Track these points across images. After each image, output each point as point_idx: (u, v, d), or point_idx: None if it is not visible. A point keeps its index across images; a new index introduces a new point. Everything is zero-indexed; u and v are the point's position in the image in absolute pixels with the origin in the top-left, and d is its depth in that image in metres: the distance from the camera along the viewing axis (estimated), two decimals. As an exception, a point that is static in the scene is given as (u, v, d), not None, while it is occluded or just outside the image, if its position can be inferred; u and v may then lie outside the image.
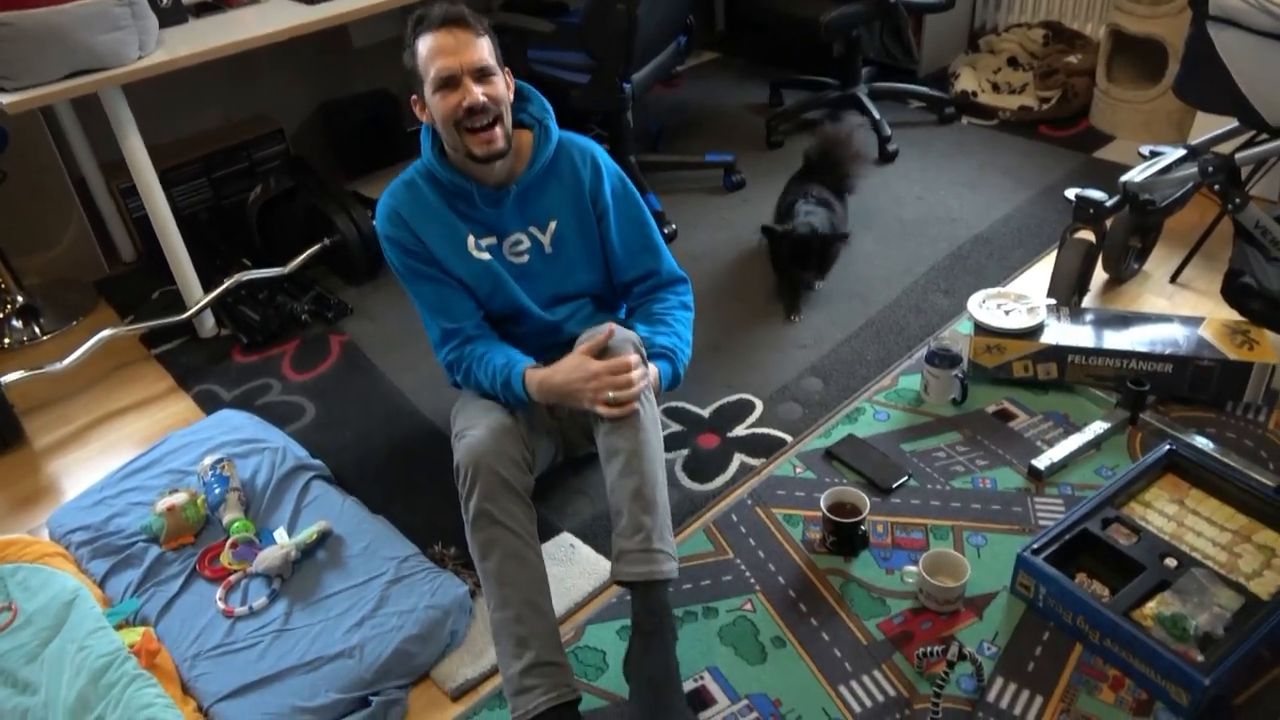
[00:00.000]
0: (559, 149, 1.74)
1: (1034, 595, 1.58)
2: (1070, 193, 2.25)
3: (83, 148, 2.71)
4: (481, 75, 1.58)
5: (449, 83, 1.57)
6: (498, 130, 1.61)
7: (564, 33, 2.58)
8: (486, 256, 1.72)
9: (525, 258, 1.75)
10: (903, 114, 3.39)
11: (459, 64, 1.56)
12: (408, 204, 1.71)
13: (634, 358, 1.58)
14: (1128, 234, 2.31)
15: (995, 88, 3.40)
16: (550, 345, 1.82)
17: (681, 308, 1.85)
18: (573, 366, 1.60)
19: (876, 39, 3.70)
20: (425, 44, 1.58)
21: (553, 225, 1.75)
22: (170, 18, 2.34)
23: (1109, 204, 2.19)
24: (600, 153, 1.79)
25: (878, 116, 3.12)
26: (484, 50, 1.59)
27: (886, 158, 3.09)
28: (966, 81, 3.39)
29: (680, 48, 2.91)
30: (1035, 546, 1.59)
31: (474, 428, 1.59)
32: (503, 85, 1.63)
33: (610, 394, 1.54)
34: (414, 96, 1.65)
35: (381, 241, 1.74)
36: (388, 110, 3.30)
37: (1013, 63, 3.46)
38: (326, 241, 2.63)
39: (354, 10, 2.42)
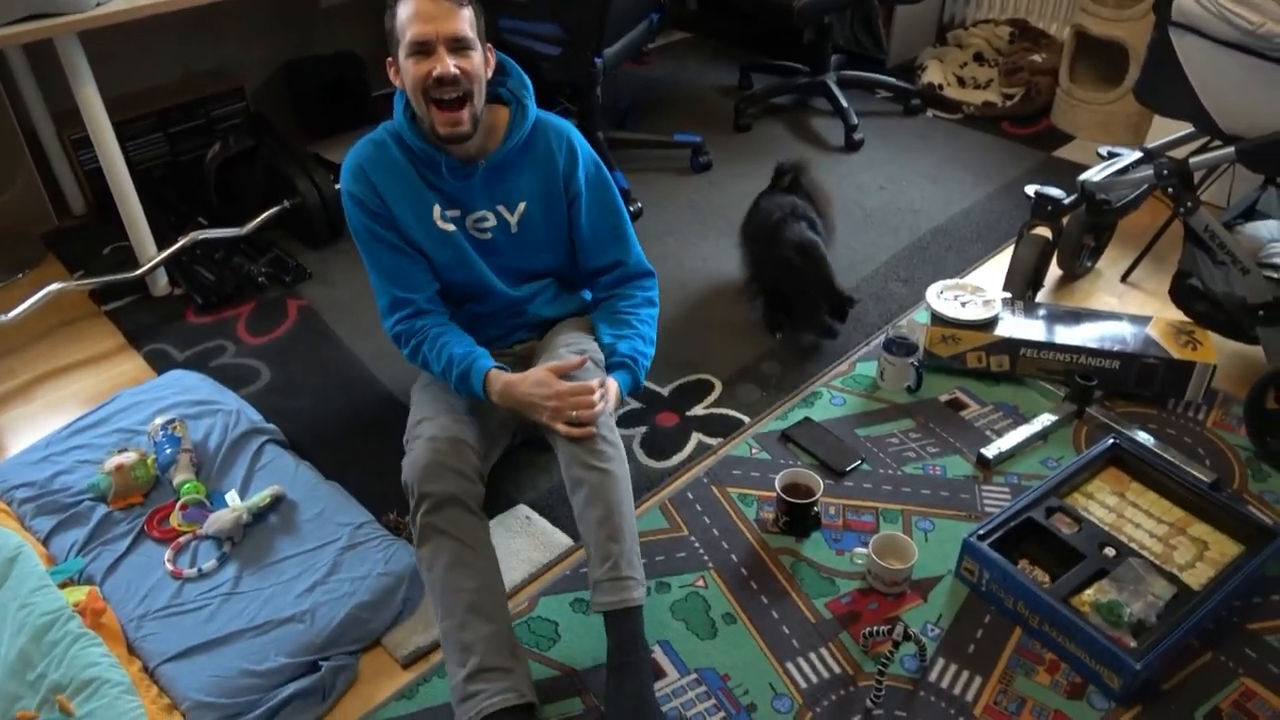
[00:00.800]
0: (535, 129, 1.70)
1: (977, 580, 1.62)
2: (1030, 189, 2.29)
3: (34, 95, 2.63)
4: (457, 46, 1.54)
5: (422, 49, 1.53)
6: (465, 112, 1.57)
7: (537, 4, 2.55)
8: (451, 228, 1.69)
9: (489, 235, 1.72)
10: (869, 103, 3.42)
11: (435, 31, 1.52)
12: (375, 163, 1.67)
13: (595, 382, 1.58)
14: (1083, 232, 2.36)
15: (961, 82, 3.45)
16: (516, 326, 1.81)
17: (647, 304, 1.83)
18: (537, 381, 1.59)
19: (847, 27, 3.72)
20: (405, 7, 1.54)
21: (521, 206, 1.72)
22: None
23: (1066, 202, 2.24)
24: (577, 135, 1.75)
25: (845, 105, 3.14)
26: (464, 21, 1.55)
27: (852, 146, 3.12)
28: (933, 74, 3.43)
29: (652, 25, 2.90)
30: (981, 532, 1.63)
31: (422, 436, 1.57)
32: (479, 61, 1.58)
33: (573, 413, 1.54)
34: (389, 59, 1.61)
35: (343, 198, 1.70)
36: (353, 73, 3.24)
37: (979, 58, 3.50)
38: (286, 203, 2.58)
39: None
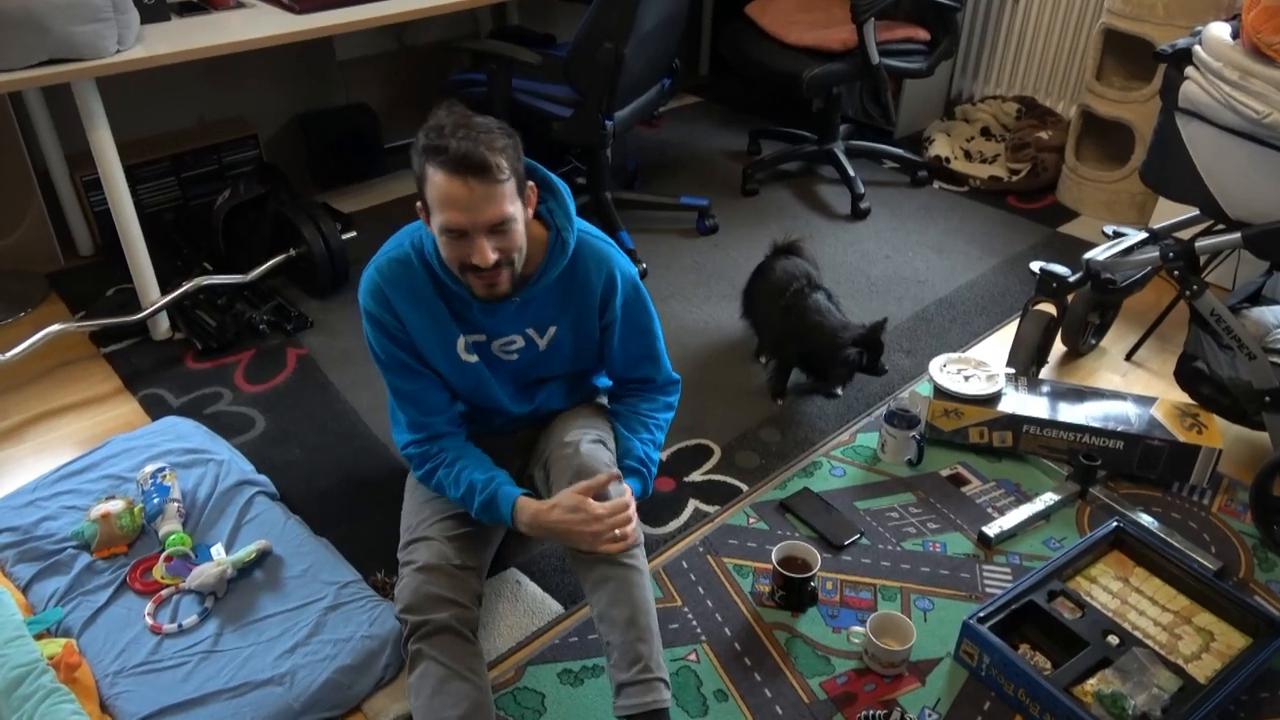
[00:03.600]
0: (574, 256, 1.58)
1: (977, 664, 1.58)
2: (1035, 265, 2.29)
3: (49, 136, 2.65)
4: (496, 229, 1.41)
5: (458, 234, 1.41)
6: (503, 274, 1.47)
7: (550, 65, 2.59)
8: (474, 359, 1.60)
9: (515, 356, 1.64)
10: (876, 173, 3.45)
11: (471, 221, 1.39)
12: (398, 286, 1.54)
13: (628, 498, 1.54)
14: (1088, 310, 2.36)
15: (968, 155, 3.48)
16: (521, 425, 1.76)
17: (665, 409, 1.78)
18: (570, 507, 1.50)
19: (856, 98, 3.77)
20: (435, 182, 1.38)
21: (552, 330, 1.63)
22: (153, 14, 2.30)
23: (1072, 279, 2.24)
24: (619, 262, 1.63)
25: (852, 174, 3.17)
26: (504, 201, 1.40)
27: (858, 215, 3.13)
28: (940, 147, 3.46)
29: (664, 89, 2.94)
30: (981, 615, 1.59)
31: (416, 563, 1.51)
32: (520, 228, 1.45)
33: (616, 532, 1.49)
34: (420, 204, 1.47)
35: (363, 316, 1.58)
36: (366, 125, 3.28)
37: (986, 133, 3.54)
38: (292, 252, 2.59)
39: (340, 24, 2.41)
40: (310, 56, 3.17)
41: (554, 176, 1.60)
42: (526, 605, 1.72)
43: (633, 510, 1.53)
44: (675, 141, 3.73)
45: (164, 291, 2.41)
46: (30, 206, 2.71)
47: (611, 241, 1.65)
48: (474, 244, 1.41)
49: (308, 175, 3.25)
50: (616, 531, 1.48)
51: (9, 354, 2.20)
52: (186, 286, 2.42)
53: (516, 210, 1.44)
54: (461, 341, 1.59)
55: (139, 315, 2.38)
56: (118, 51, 2.10)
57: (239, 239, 2.70)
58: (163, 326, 2.45)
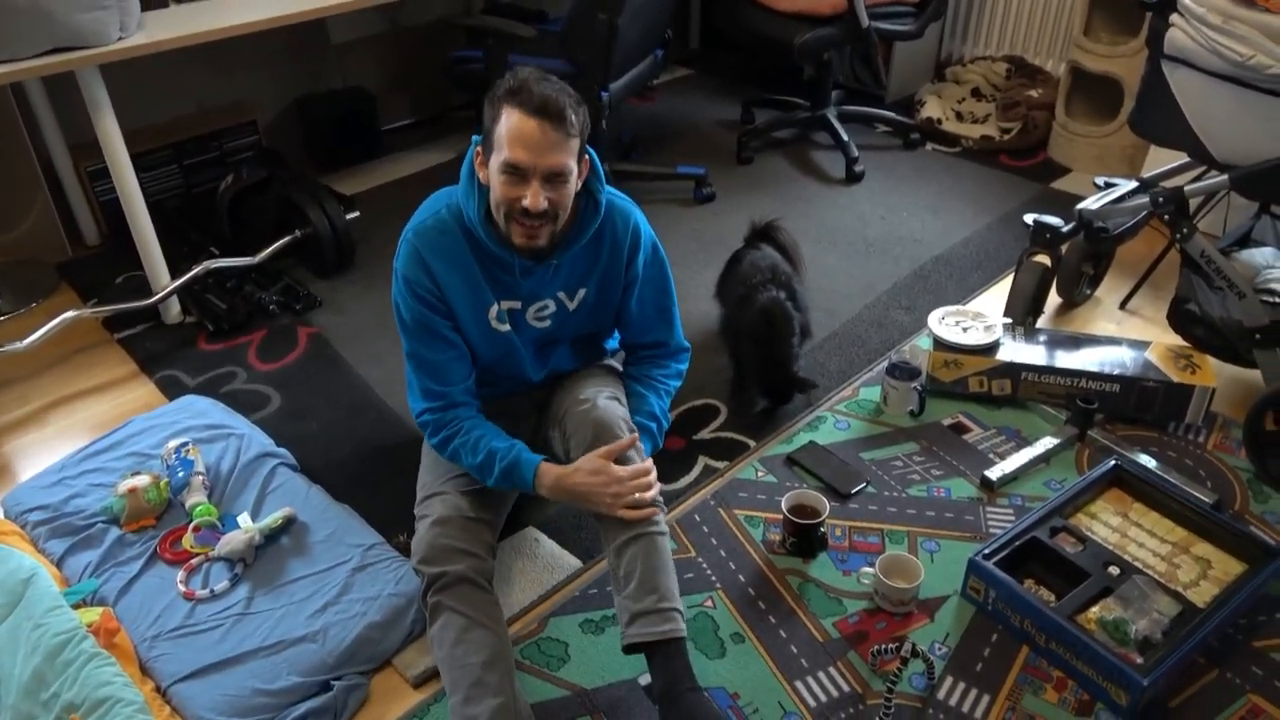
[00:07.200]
0: (603, 217, 1.63)
1: (984, 598, 1.64)
2: (1029, 218, 2.34)
3: (51, 128, 2.68)
4: (554, 177, 1.46)
5: (517, 172, 1.45)
6: (544, 229, 1.51)
7: (545, 39, 2.62)
8: (505, 328, 1.64)
9: (548, 322, 1.68)
10: (869, 137, 3.48)
11: (534, 162, 1.44)
12: (437, 252, 1.57)
13: (650, 462, 1.58)
14: (1081, 260, 2.40)
15: (959, 116, 3.51)
16: (535, 389, 1.80)
17: (677, 376, 1.83)
18: (592, 470, 1.54)
19: (847, 63, 3.79)
20: (509, 120, 1.44)
21: (582, 292, 1.68)
22: (151, 1, 2.33)
23: (1065, 230, 2.28)
24: (642, 220, 1.70)
25: (845, 138, 3.20)
26: (568, 153, 1.46)
27: (853, 178, 3.17)
28: (931, 109, 3.49)
29: (657, 61, 2.97)
30: (986, 552, 1.65)
31: (431, 517, 1.56)
32: (572, 187, 1.51)
33: (635, 496, 1.53)
34: (479, 151, 1.53)
35: (396, 281, 1.60)
36: (363, 108, 3.31)
37: (976, 93, 3.57)
38: (298, 233, 2.62)
39: (333, 5, 2.43)
40: (305, 40, 3.20)
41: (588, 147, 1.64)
42: (545, 561, 1.77)
43: (653, 477, 1.57)
44: (670, 113, 3.76)
45: (173, 277, 2.45)
46: (36, 198, 2.74)
47: (633, 202, 1.70)
48: (530, 186, 1.45)
49: (308, 159, 3.29)
50: (636, 496, 1.53)
51: (25, 342, 2.24)
52: (196, 270, 2.46)
53: (573, 168, 1.50)
54: (494, 309, 1.62)
55: (150, 300, 2.42)
56: (120, 38, 2.13)
57: (244, 223, 2.74)
58: (174, 310, 2.49)
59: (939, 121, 3.44)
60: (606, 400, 1.66)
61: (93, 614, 1.59)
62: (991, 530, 1.82)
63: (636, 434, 1.63)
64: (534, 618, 1.67)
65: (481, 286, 1.60)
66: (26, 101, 2.64)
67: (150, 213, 2.37)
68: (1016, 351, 2.12)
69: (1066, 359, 2.09)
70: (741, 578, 1.73)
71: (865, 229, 2.89)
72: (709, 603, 1.68)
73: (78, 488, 1.87)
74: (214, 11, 2.36)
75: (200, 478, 1.85)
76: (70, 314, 2.34)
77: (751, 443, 2.05)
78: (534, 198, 1.46)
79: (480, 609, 1.48)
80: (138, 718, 1.42)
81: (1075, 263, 2.40)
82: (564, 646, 1.61)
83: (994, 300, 2.53)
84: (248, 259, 2.56)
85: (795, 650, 1.59)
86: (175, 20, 2.29)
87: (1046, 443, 2.00)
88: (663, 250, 1.76)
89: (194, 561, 1.71)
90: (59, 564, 1.73)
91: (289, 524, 1.78)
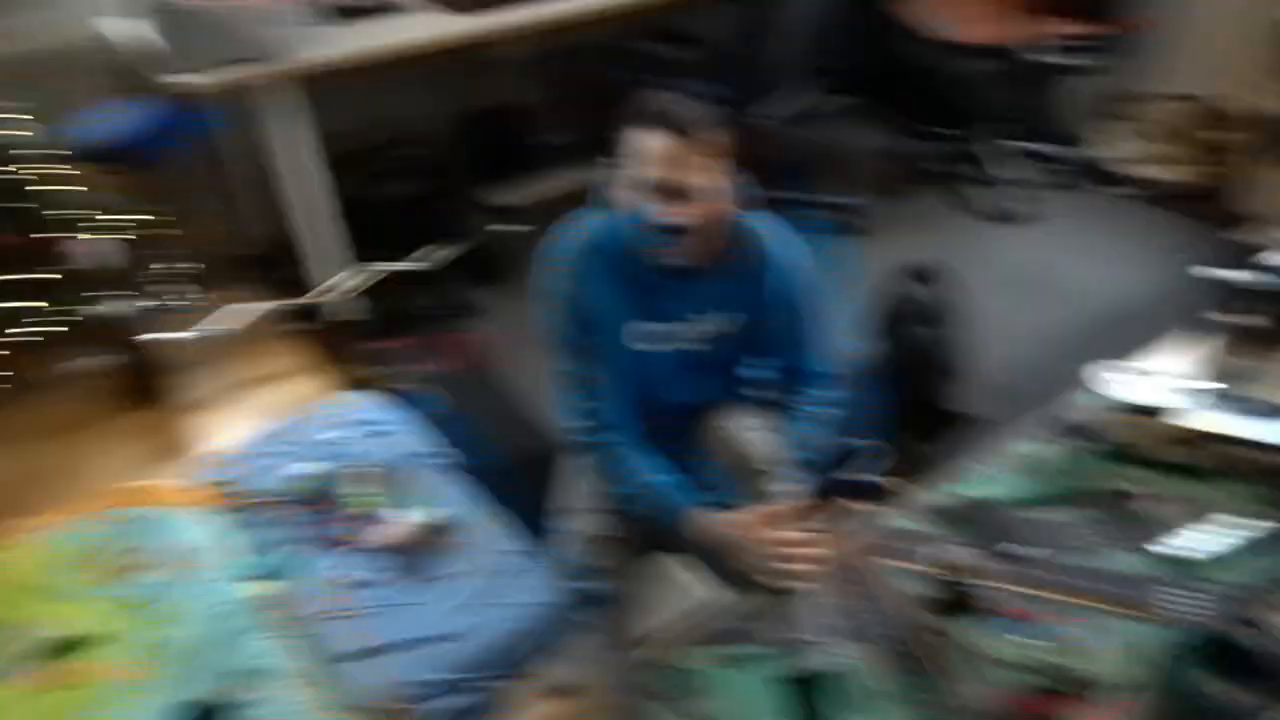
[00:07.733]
0: (757, 241, 1.61)
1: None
2: (1210, 272, 2.19)
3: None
4: (689, 194, 1.43)
5: (652, 187, 1.44)
6: (687, 245, 1.49)
7: (705, 64, 2.63)
8: (653, 348, 1.62)
9: (699, 345, 1.65)
10: (1032, 174, 3.34)
11: (666, 178, 1.42)
12: (587, 268, 1.57)
13: (810, 536, 1.51)
14: (1275, 322, 2.22)
15: (1132, 157, 3.32)
16: (683, 417, 1.76)
17: (829, 404, 1.76)
18: (742, 524, 1.50)
19: (1010, 96, 3.66)
20: (642, 138, 1.43)
21: (731, 317, 1.64)
22: (326, 19, 2.50)
23: (1256, 287, 2.13)
24: (793, 245, 1.66)
25: (1003, 174, 3.09)
26: (702, 170, 1.43)
27: (1011, 217, 3.05)
28: (1103, 147, 3.32)
29: (809, 89, 2.93)
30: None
31: (579, 531, 1.61)
32: (713, 205, 1.47)
33: (784, 566, 1.47)
34: (622, 171, 1.51)
35: (548, 298, 1.61)
36: (523, 122, 3.41)
37: (1152, 133, 3.37)
38: (466, 244, 2.73)
39: (498, 28, 2.57)
40: (469, 58, 3.31)
41: None
42: (681, 591, 1.76)
43: (812, 551, 1.50)
44: (827, 142, 3.70)
45: (347, 278, 2.59)
46: (222, 195, 2.93)
47: (788, 226, 1.68)
48: (666, 202, 1.44)
49: (470, 172, 3.40)
50: (786, 567, 1.47)
51: (210, 330, 2.42)
52: (368, 272, 2.60)
53: (710, 185, 1.46)
54: (640, 328, 1.62)
55: (325, 298, 2.56)
56: (302, 55, 2.29)
57: (413, 231, 2.87)
58: (345, 310, 2.63)
59: (1112, 161, 3.27)
60: (753, 434, 1.64)
61: (261, 587, 1.69)
62: (1167, 609, 1.69)
63: (802, 505, 1.57)
64: (666, 645, 1.66)
65: (630, 305, 1.60)
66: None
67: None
68: (1204, 418, 1.97)
69: (1260, 430, 1.93)
70: (885, 631, 1.67)
71: (1025, 273, 2.77)
72: (848, 654, 1.63)
73: (255, 468, 1.99)
74: (385, 29, 2.49)
75: (367, 469, 1.95)
76: (251, 305, 2.50)
77: (898, 491, 1.99)
78: (671, 212, 1.44)
79: (618, 630, 1.51)
80: (293, 690, 1.51)
81: (1263, 322, 2.23)
82: (696, 677, 1.59)
83: (1173, 357, 2.37)
84: (416, 265, 2.68)
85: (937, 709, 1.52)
86: (350, 37, 2.44)
87: (1233, 522, 1.85)
88: (811, 277, 1.70)
89: (355, 548, 1.79)
90: (236, 536, 1.84)
91: (445, 521, 1.85)
